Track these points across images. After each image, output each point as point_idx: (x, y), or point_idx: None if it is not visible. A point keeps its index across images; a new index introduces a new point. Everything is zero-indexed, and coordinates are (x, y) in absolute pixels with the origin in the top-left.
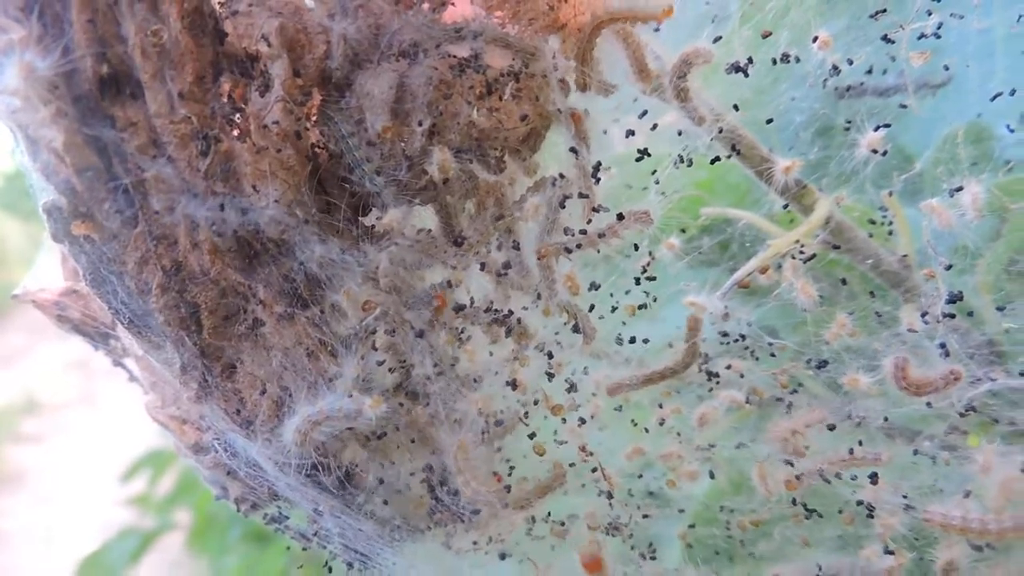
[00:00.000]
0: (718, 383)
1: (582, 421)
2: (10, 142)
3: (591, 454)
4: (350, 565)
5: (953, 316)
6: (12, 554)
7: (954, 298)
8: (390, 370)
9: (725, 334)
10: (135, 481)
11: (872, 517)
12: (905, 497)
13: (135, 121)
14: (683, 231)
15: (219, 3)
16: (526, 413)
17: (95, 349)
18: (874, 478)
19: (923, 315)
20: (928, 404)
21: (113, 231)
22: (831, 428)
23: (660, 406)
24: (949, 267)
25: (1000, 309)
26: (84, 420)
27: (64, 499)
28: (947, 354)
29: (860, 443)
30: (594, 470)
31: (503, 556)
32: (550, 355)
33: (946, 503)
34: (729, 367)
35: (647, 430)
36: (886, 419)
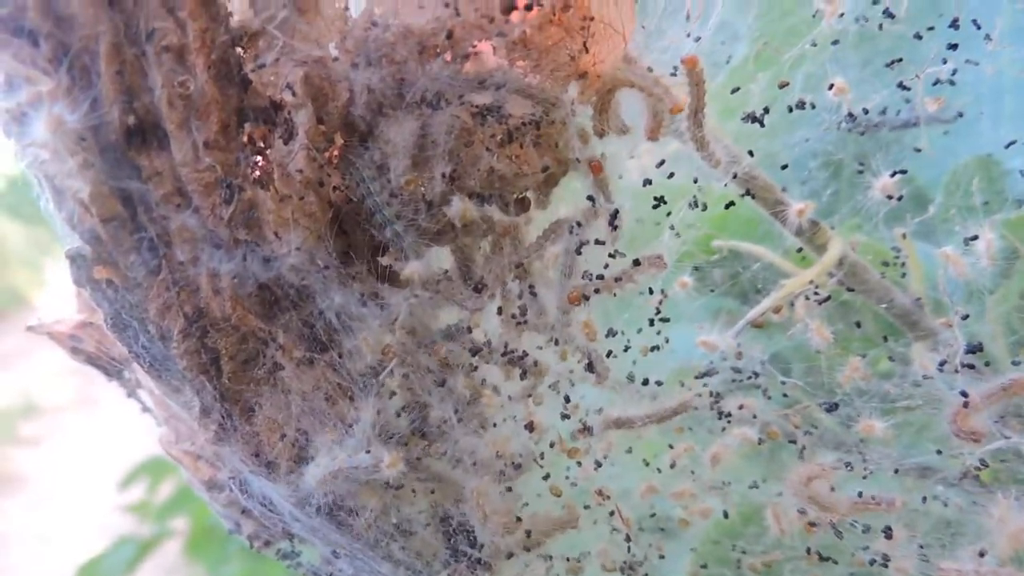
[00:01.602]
0: (730, 422)
1: (598, 464)
2: (27, 176)
3: (607, 498)
4: None
5: (972, 367)
6: (9, 557)
7: (974, 348)
8: (406, 411)
9: (738, 371)
10: (133, 487)
11: (886, 566)
12: (921, 547)
13: (160, 171)
14: (696, 269)
15: (242, 51)
16: (542, 454)
17: (108, 381)
18: (888, 532)
19: (941, 365)
20: (939, 452)
21: (137, 279)
22: (848, 466)
23: (670, 446)
24: (966, 317)
25: (1016, 364)
26: (83, 424)
27: (62, 503)
28: (967, 404)
29: (870, 495)
30: (612, 513)
31: None
32: (567, 399)
33: (959, 552)
34: (742, 407)
35: (659, 470)
36: (896, 471)
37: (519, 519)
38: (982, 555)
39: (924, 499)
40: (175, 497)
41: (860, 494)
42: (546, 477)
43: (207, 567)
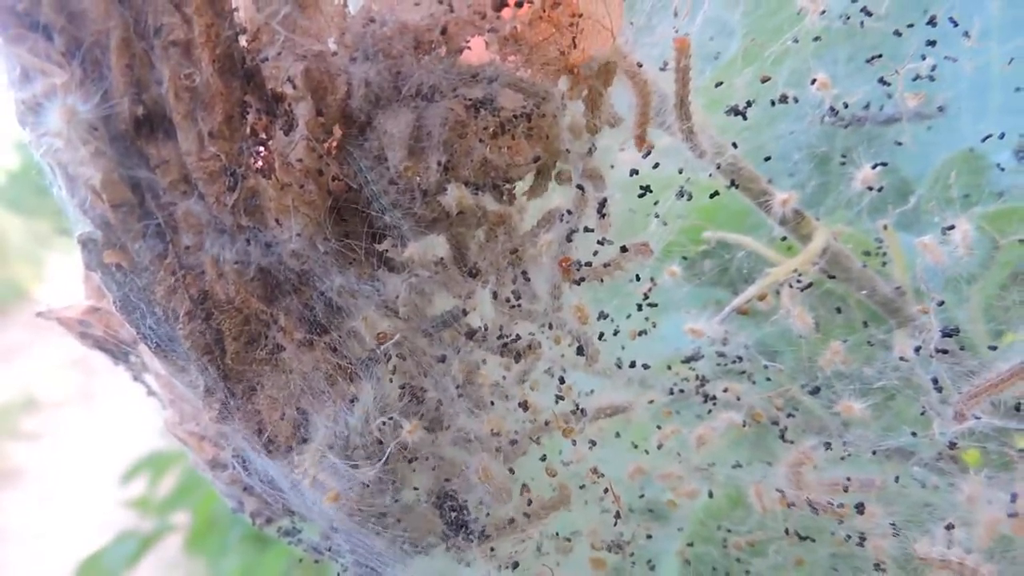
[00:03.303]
0: (715, 404)
1: (592, 443)
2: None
3: (602, 475)
4: None
5: (947, 351)
6: (9, 551)
7: (950, 332)
8: (404, 391)
9: (722, 355)
10: (134, 482)
11: (862, 545)
12: (894, 526)
13: (168, 159)
14: (684, 258)
15: (247, 45)
16: (538, 437)
17: (115, 365)
18: (860, 508)
19: (917, 349)
20: (913, 434)
21: (144, 263)
22: (827, 446)
23: (659, 427)
24: (941, 303)
25: (992, 349)
26: (83, 418)
27: (62, 497)
28: (940, 389)
29: (848, 478)
30: (606, 491)
31: (515, 565)
32: (561, 380)
33: (935, 530)
34: (726, 390)
35: (647, 452)
36: (874, 453)
37: (525, 487)
38: (949, 528)
39: (897, 478)
40: (176, 492)
41: (848, 479)
42: (543, 458)
43: (208, 560)
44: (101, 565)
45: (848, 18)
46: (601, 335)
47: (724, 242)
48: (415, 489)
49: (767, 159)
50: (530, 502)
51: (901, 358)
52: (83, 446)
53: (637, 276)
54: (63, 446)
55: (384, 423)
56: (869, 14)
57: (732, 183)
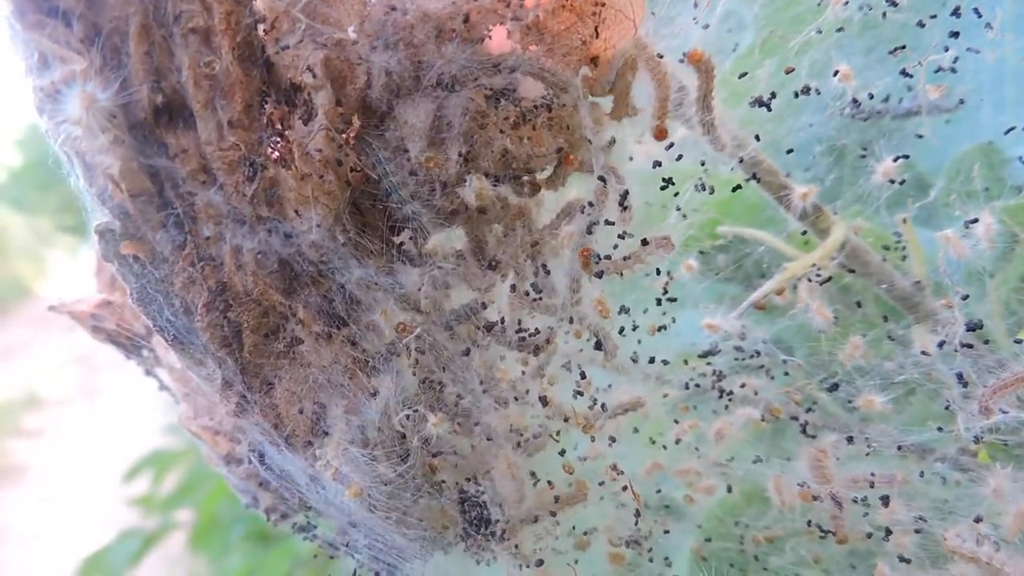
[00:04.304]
0: (731, 400)
1: (612, 440)
2: (57, 157)
3: (621, 473)
4: (377, 575)
5: (971, 346)
6: (11, 550)
7: (974, 326)
8: (423, 385)
9: (739, 350)
10: (137, 479)
11: (887, 540)
12: (922, 519)
13: (187, 148)
14: (701, 252)
15: (264, 32)
16: (558, 432)
17: (127, 359)
18: (886, 501)
19: (940, 344)
20: (939, 429)
21: (163, 254)
22: (849, 440)
23: (676, 421)
24: (966, 297)
25: (1018, 342)
26: (85, 415)
27: (64, 495)
28: (965, 384)
29: (873, 473)
30: (625, 488)
31: (540, 562)
32: (582, 375)
33: (959, 524)
34: (743, 385)
35: (665, 447)
36: (899, 448)
37: (549, 483)
38: (978, 521)
39: (922, 474)
40: (179, 489)
41: (873, 474)
42: (562, 453)
43: (211, 558)
44: (104, 563)
45: (870, 8)
46: (621, 330)
47: (739, 236)
48: (438, 483)
49: (789, 152)
50: (556, 499)
51: (923, 352)
52: (85, 443)
53: (657, 270)
54: (65, 443)
55: (408, 416)
56: (894, 4)
57: (753, 176)
